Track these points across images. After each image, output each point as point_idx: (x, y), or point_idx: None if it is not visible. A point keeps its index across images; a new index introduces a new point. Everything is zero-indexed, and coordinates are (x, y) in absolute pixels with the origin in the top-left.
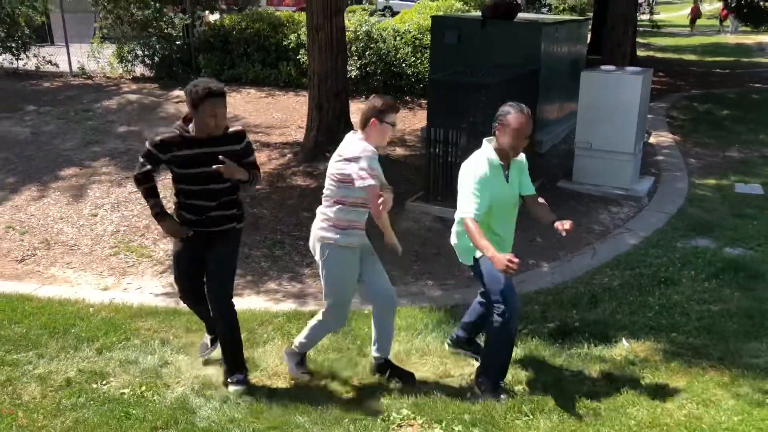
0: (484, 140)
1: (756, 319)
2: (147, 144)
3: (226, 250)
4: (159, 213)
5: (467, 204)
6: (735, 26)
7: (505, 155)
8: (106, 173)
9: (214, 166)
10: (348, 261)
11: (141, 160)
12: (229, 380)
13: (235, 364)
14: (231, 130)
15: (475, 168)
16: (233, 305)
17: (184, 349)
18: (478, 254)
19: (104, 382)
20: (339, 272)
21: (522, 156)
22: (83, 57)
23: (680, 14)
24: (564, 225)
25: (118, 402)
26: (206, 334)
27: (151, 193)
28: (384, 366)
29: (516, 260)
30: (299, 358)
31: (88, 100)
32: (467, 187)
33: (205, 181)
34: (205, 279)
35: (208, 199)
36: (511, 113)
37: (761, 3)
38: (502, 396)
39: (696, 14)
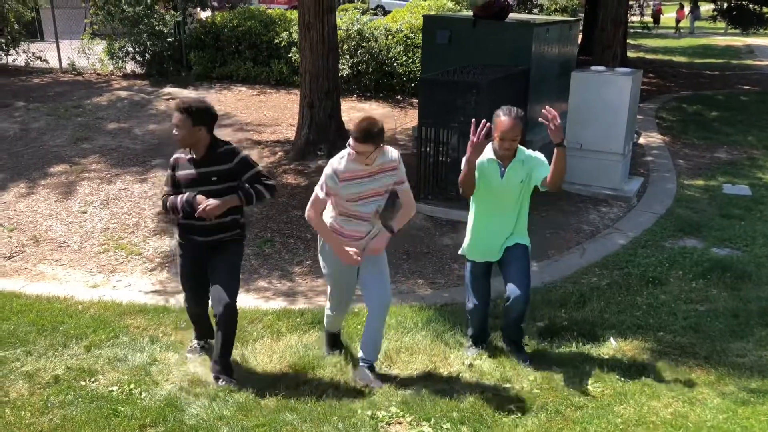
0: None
1: (742, 318)
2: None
3: (231, 257)
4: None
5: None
6: (693, 27)
7: (502, 156)
8: (96, 170)
9: (197, 214)
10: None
11: (165, 187)
12: (221, 377)
13: (228, 364)
14: (224, 149)
15: None
16: (237, 311)
17: (173, 347)
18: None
19: (92, 380)
20: (327, 264)
21: (534, 156)
22: (73, 53)
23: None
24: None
25: (106, 399)
26: (194, 340)
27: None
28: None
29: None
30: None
31: (78, 97)
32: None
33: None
34: (210, 285)
35: (203, 219)
36: (500, 116)
37: (750, 6)
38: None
39: (657, 15)
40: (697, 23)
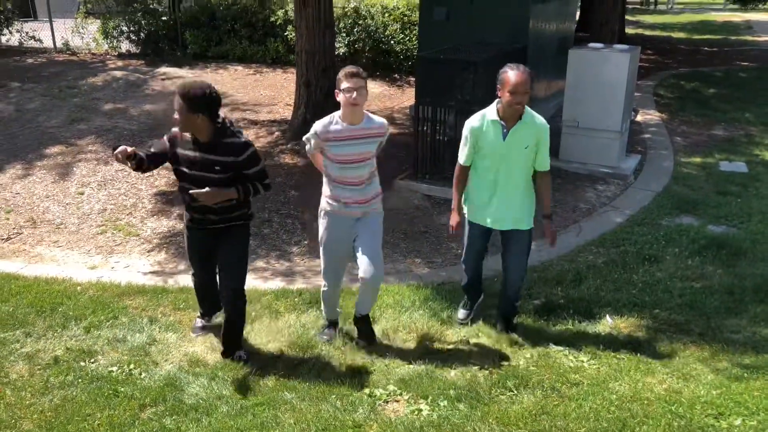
0: (495, 101)
1: (737, 295)
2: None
3: (237, 244)
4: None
5: (459, 152)
6: (671, 3)
7: (508, 115)
8: (93, 151)
9: (191, 191)
10: (329, 226)
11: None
12: (234, 355)
13: (238, 344)
14: (234, 140)
15: (469, 121)
16: (245, 297)
17: (173, 327)
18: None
19: (92, 360)
20: (323, 228)
21: (540, 123)
22: (67, 33)
23: None
24: (550, 236)
25: (106, 380)
26: (199, 318)
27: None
28: (359, 320)
29: (455, 226)
30: (326, 324)
31: (73, 77)
32: (462, 137)
33: (200, 185)
34: (218, 271)
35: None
36: (508, 72)
37: None
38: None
39: None
40: None
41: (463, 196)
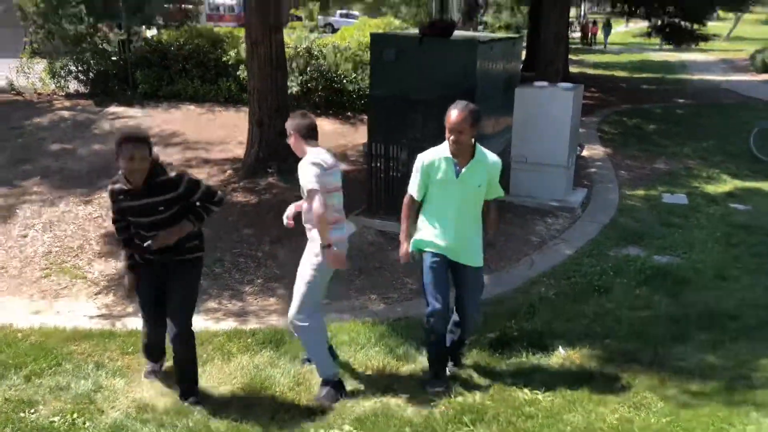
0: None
1: (681, 323)
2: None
3: (187, 280)
4: (132, 264)
5: (410, 184)
6: (606, 41)
7: (457, 152)
8: (38, 192)
9: (146, 243)
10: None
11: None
12: (188, 399)
13: (193, 387)
14: (166, 177)
15: (421, 156)
16: (193, 333)
17: (120, 372)
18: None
19: (32, 411)
20: (323, 264)
21: (493, 161)
22: (12, 72)
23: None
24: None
25: (47, 431)
26: (150, 363)
27: (127, 243)
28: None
29: (404, 256)
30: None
31: (17, 117)
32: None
33: (153, 229)
34: (167, 307)
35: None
36: (450, 110)
37: (681, 23)
38: (437, 388)
39: (585, 31)
40: (634, 39)
41: (414, 231)
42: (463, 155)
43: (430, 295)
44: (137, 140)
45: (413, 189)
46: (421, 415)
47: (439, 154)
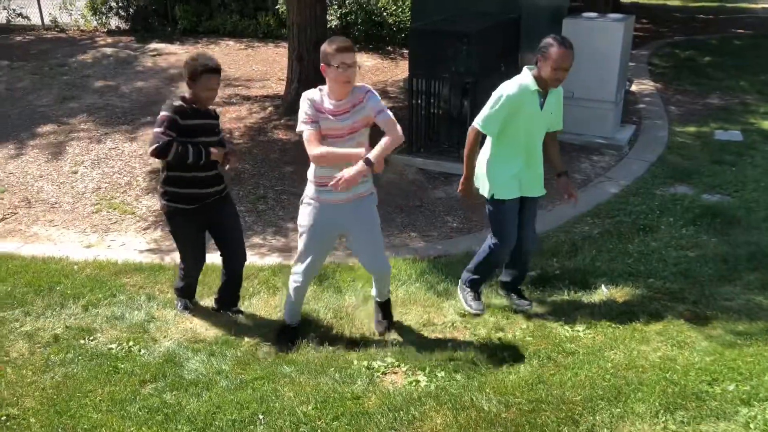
0: (525, 68)
1: (731, 263)
2: (166, 112)
3: (234, 212)
4: (205, 152)
5: (479, 116)
6: None
7: (544, 84)
8: (85, 129)
9: (213, 149)
10: (316, 213)
11: (159, 129)
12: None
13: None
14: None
15: (503, 89)
16: None
17: (170, 304)
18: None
19: (91, 338)
20: (308, 215)
21: (559, 88)
22: (55, 9)
23: None
24: (572, 194)
25: (106, 357)
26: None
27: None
28: (381, 305)
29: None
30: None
31: (62, 55)
32: (488, 102)
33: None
34: (229, 240)
35: (207, 169)
36: (554, 45)
37: None
38: (474, 304)
39: None
40: None
41: (476, 171)
42: (547, 87)
43: (506, 231)
44: (215, 71)
45: (487, 124)
46: (462, 348)
47: (526, 86)
